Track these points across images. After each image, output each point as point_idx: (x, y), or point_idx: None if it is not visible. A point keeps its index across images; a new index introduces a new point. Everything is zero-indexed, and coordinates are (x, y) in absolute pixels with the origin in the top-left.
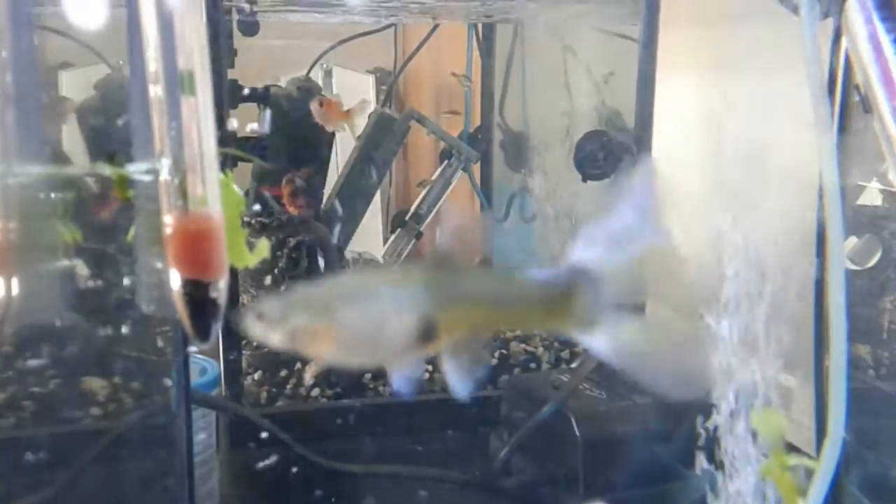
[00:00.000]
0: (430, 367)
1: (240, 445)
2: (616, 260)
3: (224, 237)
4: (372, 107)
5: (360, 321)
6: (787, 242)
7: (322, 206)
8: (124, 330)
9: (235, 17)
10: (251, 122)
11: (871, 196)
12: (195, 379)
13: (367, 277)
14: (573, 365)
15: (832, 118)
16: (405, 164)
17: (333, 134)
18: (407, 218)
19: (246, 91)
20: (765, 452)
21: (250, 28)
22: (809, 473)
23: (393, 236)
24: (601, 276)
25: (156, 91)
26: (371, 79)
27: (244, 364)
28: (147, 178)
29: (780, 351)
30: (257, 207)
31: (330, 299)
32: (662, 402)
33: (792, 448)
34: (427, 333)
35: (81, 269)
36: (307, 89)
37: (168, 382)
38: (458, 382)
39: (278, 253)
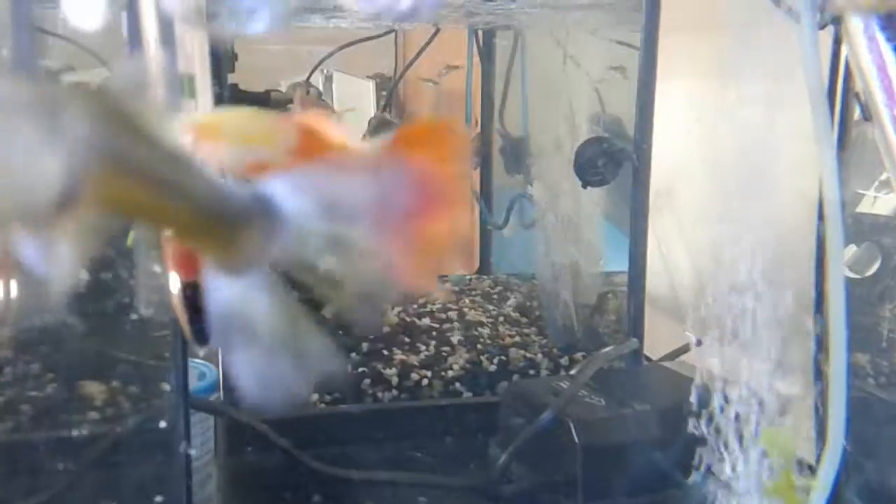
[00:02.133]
0: (427, 374)
1: (238, 451)
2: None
3: None
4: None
5: None
6: (786, 249)
7: None
8: (123, 333)
9: None
10: None
11: (870, 203)
12: (194, 383)
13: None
14: (572, 371)
15: (832, 126)
16: None
17: None
18: None
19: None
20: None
21: None
22: None
23: None
24: (286, 222)
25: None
26: (371, 84)
27: None
28: None
29: (779, 358)
30: None
31: None
32: (662, 410)
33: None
34: (67, 193)
35: (80, 272)
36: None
37: (166, 387)
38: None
39: None
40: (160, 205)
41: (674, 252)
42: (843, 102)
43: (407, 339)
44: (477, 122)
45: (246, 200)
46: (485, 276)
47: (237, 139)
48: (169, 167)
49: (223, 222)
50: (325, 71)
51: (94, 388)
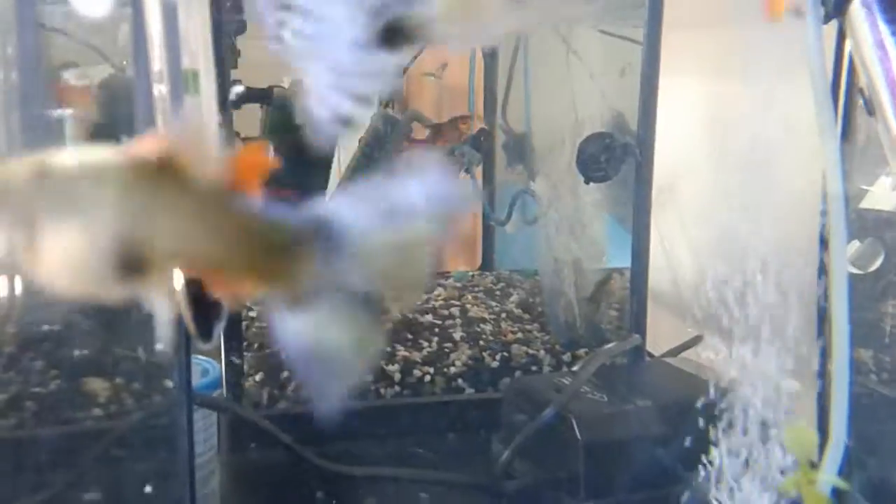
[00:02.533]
0: (429, 370)
1: (241, 447)
2: (380, 228)
3: None
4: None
5: (17, 225)
6: (789, 246)
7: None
8: (126, 330)
9: None
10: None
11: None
12: (197, 380)
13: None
14: (575, 368)
15: (836, 121)
16: None
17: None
18: None
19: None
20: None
21: (237, 27)
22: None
23: None
24: (350, 238)
25: (159, 90)
26: None
27: (246, 365)
28: None
29: (782, 355)
30: None
31: None
32: (665, 406)
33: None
34: (130, 263)
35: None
36: None
37: (169, 383)
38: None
39: None
40: (222, 252)
41: (676, 248)
42: (847, 97)
43: (409, 336)
44: (479, 118)
45: (303, 227)
46: (487, 273)
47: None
48: (222, 216)
49: (282, 255)
50: None
51: (97, 385)
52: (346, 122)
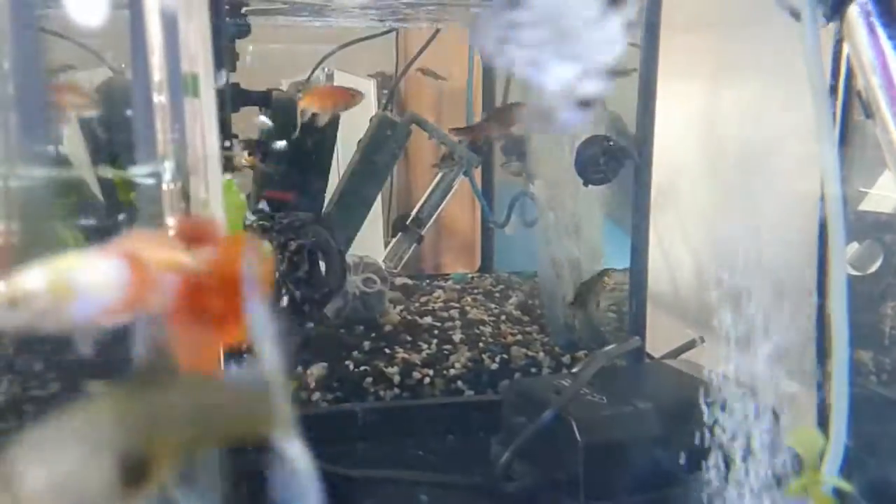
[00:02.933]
0: (429, 372)
1: (239, 449)
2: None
3: None
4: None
5: (43, 482)
6: (788, 247)
7: (323, 209)
8: (126, 332)
9: None
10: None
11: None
12: None
13: (45, 428)
14: (574, 370)
15: (834, 123)
16: (406, 167)
17: (335, 138)
18: (408, 222)
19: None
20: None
21: (241, 31)
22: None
23: (393, 240)
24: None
25: (159, 95)
26: (372, 83)
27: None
28: (150, 181)
29: (781, 356)
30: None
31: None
32: (664, 408)
33: None
34: (136, 472)
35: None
36: None
37: None
38: None
39: (279, 257)
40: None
41: (675, 250)
42: (845, 100)
43: (409, 338)
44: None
45: (253, 381)
46: (486, 275)
47: (82, 291)
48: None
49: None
50: (325, 69)
51: (97, 388)
52: (587, 104)
